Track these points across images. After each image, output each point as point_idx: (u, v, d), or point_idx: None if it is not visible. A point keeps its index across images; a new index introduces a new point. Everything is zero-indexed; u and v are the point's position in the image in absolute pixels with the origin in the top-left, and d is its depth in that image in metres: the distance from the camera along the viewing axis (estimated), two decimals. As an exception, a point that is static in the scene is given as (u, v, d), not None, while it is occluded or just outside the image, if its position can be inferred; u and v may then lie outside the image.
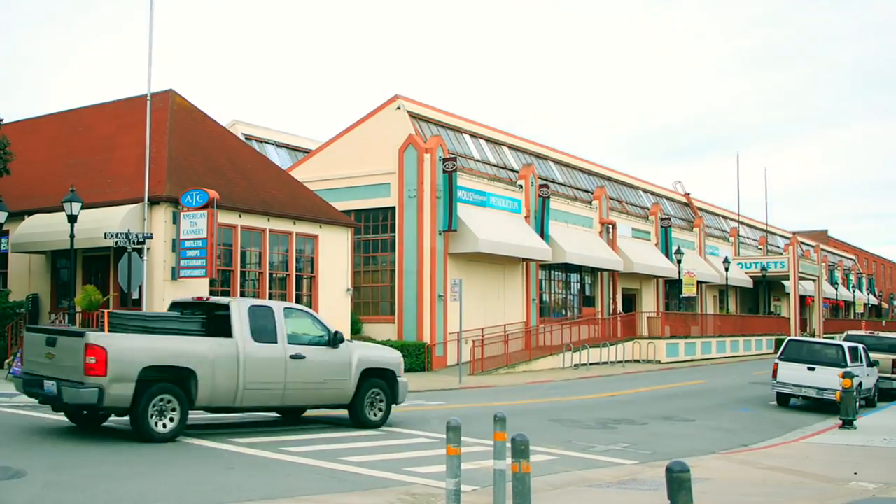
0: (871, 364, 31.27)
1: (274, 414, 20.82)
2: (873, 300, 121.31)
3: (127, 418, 16.47)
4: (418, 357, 39.63)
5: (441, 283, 41.43)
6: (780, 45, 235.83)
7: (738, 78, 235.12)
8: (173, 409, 16.25)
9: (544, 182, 50.62)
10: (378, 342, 39.35)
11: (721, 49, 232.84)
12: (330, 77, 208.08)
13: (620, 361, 49.36)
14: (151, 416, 15.99)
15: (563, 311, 53.29)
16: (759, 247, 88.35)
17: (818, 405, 29.75)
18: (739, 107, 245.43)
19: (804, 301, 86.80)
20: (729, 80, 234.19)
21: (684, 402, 30.20)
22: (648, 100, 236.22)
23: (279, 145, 53.19)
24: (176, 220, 29.76)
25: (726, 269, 68.44)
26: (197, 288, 30.34)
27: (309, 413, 21.26)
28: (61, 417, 18.45)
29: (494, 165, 48.76)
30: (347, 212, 41.19)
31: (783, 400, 30.34)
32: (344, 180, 43.87)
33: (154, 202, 29.88)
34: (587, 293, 56.22)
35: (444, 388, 32.51)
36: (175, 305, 19.29)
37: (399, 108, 43.67)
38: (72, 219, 28.31)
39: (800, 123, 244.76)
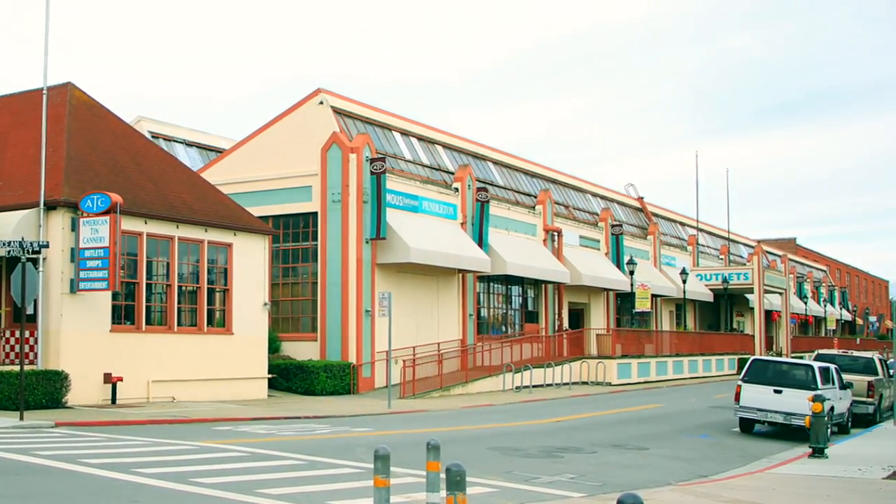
0: (844, 386, 31.35)
1: (190, 442, 20.93)
2: (846, 315, 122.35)
3: (26, 446, 16.53)
4: (343, 379, 39.87)
5: (368, 296, 41.74)
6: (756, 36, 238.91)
7: (702, 69, 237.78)
8: None
9: (482, 185, 51.14)
10: (298, 362, 39.65)
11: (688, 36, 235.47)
12: (245, 70, 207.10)
13: (567, 383, 49.91)
14: None
15: (504, 328, 53.80)
16: (721, 256, 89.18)
17: (786, 432, 30.11)
18: (698, 101, 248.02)
19: (770, 316, 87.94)
20: (690, 71, 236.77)
21: (637, 428, 30.63)
22: (595, 94, 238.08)
23: (189, 144, 53.20)
24: (75, 226, 29.68)
25: (684, 282, 69.07)
26: (98, 302, 30.43)
27: (224, 440, 21.45)
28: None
29: (427, 167, 49.21)
30: (265, 217, 41.38)
31: (747, 426, 30.60)
32: (261, 183, 44.06)
33: (51, 207, 29.78)
34: (530, 308, 56.81)
35: (372, 413, 32.85)
36: None
37: (322, 102, 43.89)
38: (-43, 225, 28.16)
39: (765, 119, 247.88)
